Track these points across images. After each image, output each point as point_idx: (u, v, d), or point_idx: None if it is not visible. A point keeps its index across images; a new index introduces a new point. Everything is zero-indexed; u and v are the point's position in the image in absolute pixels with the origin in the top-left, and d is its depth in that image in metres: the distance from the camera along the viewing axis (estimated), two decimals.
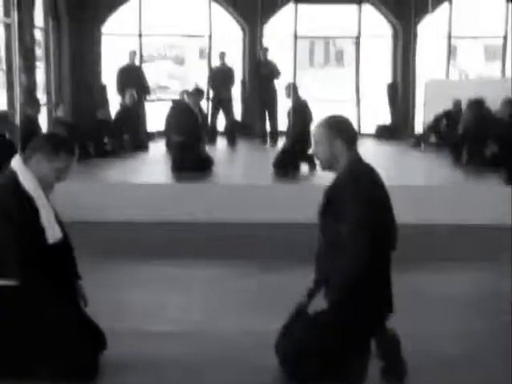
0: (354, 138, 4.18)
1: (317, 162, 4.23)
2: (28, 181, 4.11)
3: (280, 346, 4.27)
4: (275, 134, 14.97)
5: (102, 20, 15.90)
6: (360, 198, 3.92)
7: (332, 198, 4.07)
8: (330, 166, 4.15)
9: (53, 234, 4.15)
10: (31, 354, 4.10)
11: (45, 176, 4.14)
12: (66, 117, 13.42)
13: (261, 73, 15.25)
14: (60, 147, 4.17)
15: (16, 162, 4.17)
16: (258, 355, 4.53)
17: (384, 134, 16.20)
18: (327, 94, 18.50)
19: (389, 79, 17.05)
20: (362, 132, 16.70)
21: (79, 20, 15.41)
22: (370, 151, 15.25)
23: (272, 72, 15.20)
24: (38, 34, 14.63)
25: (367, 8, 16.80)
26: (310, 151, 11.02)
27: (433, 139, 14.19)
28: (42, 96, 14.44)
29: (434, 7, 15.68)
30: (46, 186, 4.19)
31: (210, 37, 16.70)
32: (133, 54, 15.36)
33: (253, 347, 4.72)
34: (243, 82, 16.55)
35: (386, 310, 4.14)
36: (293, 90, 11.72)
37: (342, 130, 4.13)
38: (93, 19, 15.59)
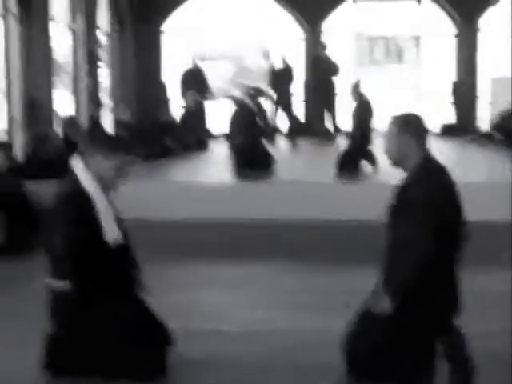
0: (425, 135, 4.17)
1: (387, 158, 4.21)
2: (87, 181, 4.18)
3: (347, 346, 4.27)
4: (335, 131, 14.91)
5: (163, 21, 16.09)
6: (429, 199, 3.90)
7: (401, 197, 4.07)
8: (401, 163, 4.15)
9: (110, 232, 4.20)
10: (99, 353, 4.17)
11: (104, 174, 4.20)
12: (130, 118, 13.65)
13: (319, 69, 15.20)
14: (117, 145, 4.25)
15: (76, 163, 4.24)
16: (322, 355, 4.55)
17: (448, 131, 16.02)
18: (388, 93, 18.35)
19: (451, 77, 16.85)
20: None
21: (142, 23, 15.62)
22: (436, 149, 15.13)
23: (330, 68, 15.14)
24: (103, 38, 14.88)
25: (428, 4, 16.66)
26: (371, 148, 11.00)
27: (498, 137, 14.00)
28: (106, 99, 14.68)
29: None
30: (107, 185, 4.25)
31: (270, 36, 16.74)
32: (194, 56, 15.50)
33: (317, 346, 4.74)
34: (304, 81, 16.54)
35: (453, 310, 4.11)
36: (355, 88, 11.66)
37: (413, 128, 4.12)
38: (155, 22, 15.78)
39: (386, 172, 4.38)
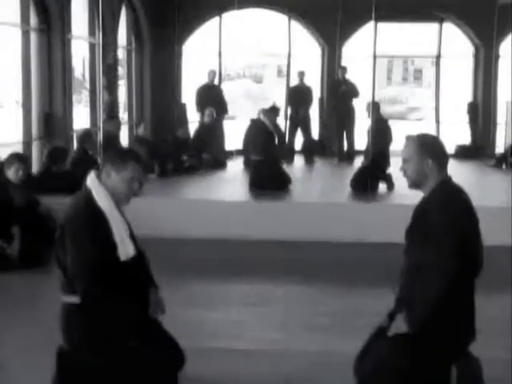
0: (444, 157, 4.12)
1: (405, 179, 4.16)
2: (101, 197, 4.10)
3: (358, 366, 4.23)
4: (352, 153, 14.92)
5: (183, 39, 16.14)
6: (450, 223, 3.85)
7: (419, 219, 4.02)
8: (419, 185, 4.10)
9: (125, 251, 4.11)
10: (109, 372, 4.13)
11: (116, 188, 4.12)
12: (146, 135, 13.67)
13: (339, 92, 15.23)
14: (126, 157, 4.15)
15: (90, 179, 4.17)
16: (336, 376, 4.50)
17: (464, 153, 15.96)
18: (406, 114, 18.34)
19: (469, 98, 16.83)
20: None
21: (161, 40, 15.68)
22: (450, 171, 15.09)
23: (350, 91, 15.17)
24: (121, 53, 14.94)
25: (448, 26, 16.65)
26: (388, 170, 10.96)
27: None
28: (123, 114, 14.73)
29: None
30: (120, 199, 4.16)
31: (289, 55, 16.78)
32: (212, 72, 15.53)
33: (331, 368, 4.69)
34: (321, 101, 16.55)
35: (469, 336, 4.06)
36: (374, 108, 11.66)
37: (433, 149, 4.08)
38: (174, 39, 15.84)
39: (402, 193, 4.31)
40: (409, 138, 4.16)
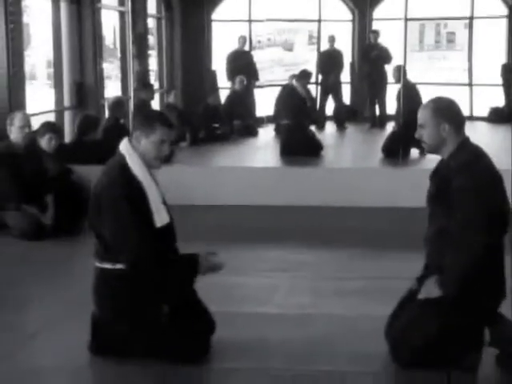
0: (461, 120, 4.10)
1: (423, 144, 4.15)
2: (135, 164, 4.11)
3: (389, 330, 4.25)
4: (384, 118, 14.83)
5: (213, 7, 16.09)
6: (474, 186, 3.84)
7: (442, 184, 4.00)
8: (436, 150, 4.09)
9: (160, 218, 4.14)
10: (143, 337, 4.19)
11: (147, 152, 4.13)
12: (177, 102, 13.69)
13: (371, 57, 15.10)
14: (154, 120, 4.16)
15: (124, 145, 4.18)
16: (367, 340, 4.52)
17: (497, 116, 15.79)
18: (439, 77, 18.14)
19: (503, 60, 16.60)
20: (474, 115, 16.35)
21: (191, 7, 15.64)
22: (483, 134, 14.95)
23: (383, 56, 15.03)
24: (151, 22, 14.93)
25: None
26: None
27: None
28: (154, 82, 14.75)
29: None
30: (152, 164, 4.17)
31: (320, 21, 16.66)
32: (242, 39, 15.47)
33: (362, 332, 4.71)
34: (352, 66, 16.44)
35: (500, 296, 4.06)
36: (401, 73, 11.57)
37: (449, 113, 4.06)
38: (204, 6, 15.79)
39: (434, 158, 4.30)
40: (424, 104, 4.14)
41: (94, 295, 4.24)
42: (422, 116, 4.09)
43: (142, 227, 4.03)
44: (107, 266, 4.14)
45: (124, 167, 4.11)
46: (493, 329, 4.13)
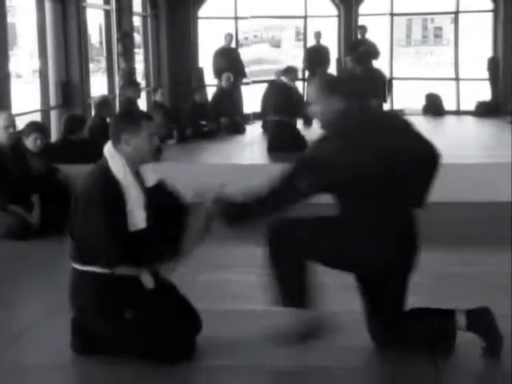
0: (352, 91, 4.05)
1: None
2: (118, 166, 4.11)
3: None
4: None
5: (199, 4, 16.06)
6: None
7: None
8: (327, 126, 4.04)
9: (134, 222, 4.12)
10: (127, 337, 4.18)
11: (140, 150, 4.13)
12: (164, 100, 13.66)
13: (357, 52, 15.09)
14: (137, 118, 4.19)
15: (107, 149, 4.18)
16: (355, 336, 4.51)
17: (484, 110, 15.83)
18: (426, 72, 18.19)
19: (489, 54, 16.64)
20: (461, 109, 16.41)
21: (177, 5, 15.61)
22: (470, 128, 14.99)
23: (370, 52, 15.02)
24: (137, 20, 14.90)
25: None
26: None
27: None
28: (140, 81, 14.72)
29: None
30: (145, 158, 4.19)
31: (306, 17, 16.66)
32: (229, 36, 15.45)
33: (351, 326, 4.69)
34: (339, 62, 16.44)
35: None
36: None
37: (337, 86, 4.03)
38: (190, 3, 15.76)
39: None
40: (313, 81, 4.17)
41: (72, 297, 4.23)
42: (311, 93, 4.09)
43: (114, 229, 4.03)
44: (80, 267, 4.14)
45: (105, 170, 4.11)
46: (468, 313, 4.12)
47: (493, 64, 16.41)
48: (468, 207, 7.70)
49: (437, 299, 4.65)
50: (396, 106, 16.67)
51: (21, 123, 8.13)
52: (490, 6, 16.54)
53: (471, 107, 16.24)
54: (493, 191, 7.82)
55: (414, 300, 4.24)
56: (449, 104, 16.52)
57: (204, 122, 13.10)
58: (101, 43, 14.01)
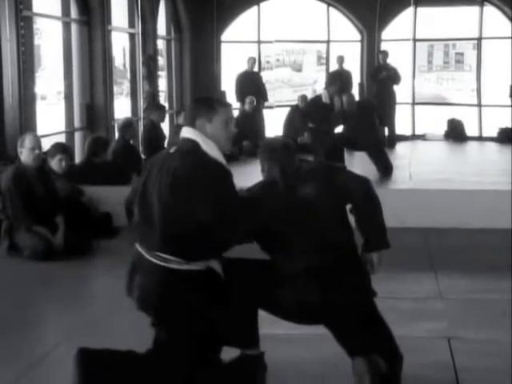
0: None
1: None
2: (214, 150, 3.81)
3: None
4: (393, 138, 14.84)
5: (222, 28, 16.18)
6: None
7: None
8: None
9: None
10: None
11: (217, 136, 3.85)
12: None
13: (379, 77, 15.16)
14: (214, 103, 3.94)
15: (192, 133, 3.84)
16: None
17: (506, 137, 15.78)
18: (448, 98, 18.17)
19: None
20: (483, 135, 16.37)
21: (200, 29, 15.74)
22: (492, 154, 14.94)
23: (392, 76, 15.09)
24: (161, 44, 15.02)
25: (488, 9, 16.46)
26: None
27: None
28: (164, 103, 14.82)
29: None
30: (223, 146, 3.88)
31: (328, 41, 16.74)
32: (251, 59, 15.54)
33: None
34: (361, 86, 16.48)
35: None
36: None
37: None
38: (213, 28, 15.89)
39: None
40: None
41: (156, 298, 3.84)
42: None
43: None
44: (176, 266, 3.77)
45: (204, 154, 3.77)
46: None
47: None
48: (485, 233, 7.68)
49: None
50: (418, 132, 16.68)
51: (46, 145, 8.20)
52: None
53: (493, 133, 16.19)
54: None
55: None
56: (471, 130, 16.49)
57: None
58: (124, 66, 14.13)
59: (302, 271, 3.97)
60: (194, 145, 3.80)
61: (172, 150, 3.89)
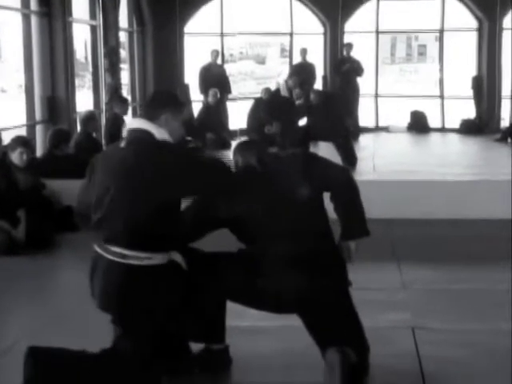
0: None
1: None
2: (167, 138, 3.87)
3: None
4: (357, 131, 14.88)
5: (185, 20, 16.09)
6: None
7: None
8: None
9: None
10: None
11: (174, 131, 3.90)
12: None
13: (343, 69, 15.19)
14: (180, 101, 4.07)
15: (143, 123, 3.86)
16: None
17: (469, 128, 15.93)
18: (410, 90, 18.29)
19: (473, 72, 16.75)
20: (446, 127, 16.50)
21: (162, 21, 15.63)
22: (455, 146, 15.07)
23: (355, 69, 15.12)
24: (123, 36, 14.90)
25: (450, 1, 16.57)
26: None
27: None
28: (126, 96, 14.71)
29: None
30: (175, 140, 3.95)
31: (292, 34, 16.72)
32: (215, 52, 15.49)
33: None
34: (325, 79, 16.50)
35: None
36: None
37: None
38: (176, 20, 15.79)
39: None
40: None
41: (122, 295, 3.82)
42: None
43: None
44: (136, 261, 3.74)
45: (157, 142, 3.81)
46: None
47: (477, 82, 16.52)
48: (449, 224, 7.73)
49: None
50: (381, 123, 16.76)
51: (6, 138, 8.10)
52: (475, 24, 16.66)
53: (456, 125, 16.33)
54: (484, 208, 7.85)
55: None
56: (433, 121, 16.61)
57: (189, 138, 13.09)
58: (86, 58, 14.00)
59: (278, 260, 3.96)
60: (145, 135, 3.81)
61: (123, 145, 3.85)
